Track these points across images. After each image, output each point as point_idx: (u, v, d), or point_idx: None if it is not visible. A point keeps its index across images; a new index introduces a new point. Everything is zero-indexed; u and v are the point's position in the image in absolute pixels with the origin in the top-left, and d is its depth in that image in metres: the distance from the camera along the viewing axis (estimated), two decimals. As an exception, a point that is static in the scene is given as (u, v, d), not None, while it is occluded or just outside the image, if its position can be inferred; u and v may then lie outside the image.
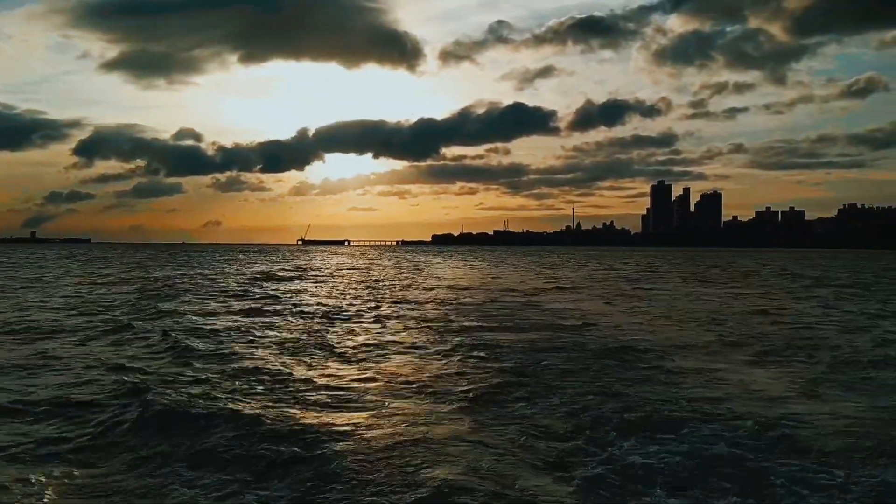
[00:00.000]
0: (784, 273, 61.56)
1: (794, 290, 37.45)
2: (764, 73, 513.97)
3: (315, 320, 21.72)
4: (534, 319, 21.64)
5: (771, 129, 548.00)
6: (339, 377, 12.56)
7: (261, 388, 11.67)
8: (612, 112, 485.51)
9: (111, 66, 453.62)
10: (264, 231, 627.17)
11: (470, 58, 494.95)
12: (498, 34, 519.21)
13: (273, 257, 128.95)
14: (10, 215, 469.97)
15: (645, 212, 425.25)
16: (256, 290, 34.88)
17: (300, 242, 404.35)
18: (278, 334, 18.29)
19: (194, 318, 21.76)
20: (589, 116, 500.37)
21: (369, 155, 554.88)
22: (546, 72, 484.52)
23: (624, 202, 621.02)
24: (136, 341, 17.01)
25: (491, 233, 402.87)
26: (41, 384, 12.09)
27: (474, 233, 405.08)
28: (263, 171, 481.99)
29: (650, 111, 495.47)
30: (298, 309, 25.19)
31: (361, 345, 16.40)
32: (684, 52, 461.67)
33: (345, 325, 20.55)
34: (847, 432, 9.02)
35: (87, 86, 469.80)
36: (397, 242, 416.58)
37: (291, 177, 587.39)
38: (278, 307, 25.95)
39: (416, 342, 16.89)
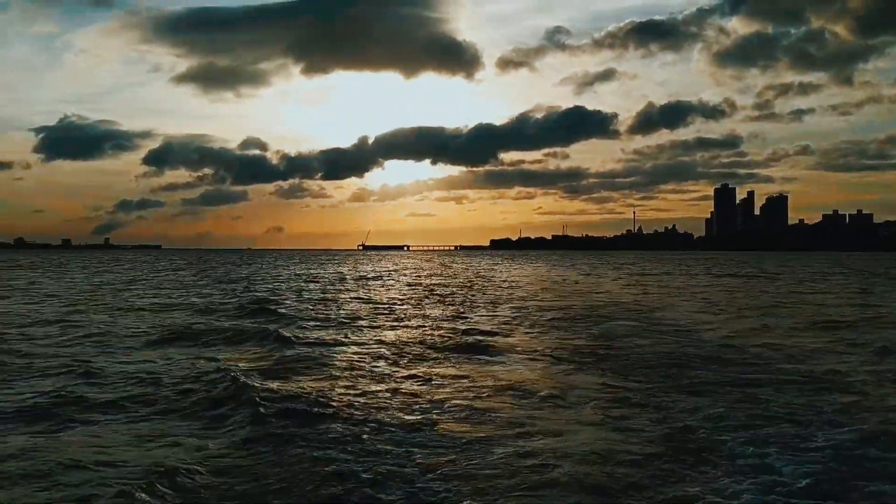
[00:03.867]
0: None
1: None
2: (829, 74, 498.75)
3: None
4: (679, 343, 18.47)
5: (838, 130, 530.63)
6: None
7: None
8: (674, 114, 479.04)
9: (181, 78, 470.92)
10: (325, 237, 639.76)
11: (527, 63, 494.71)
12: (555, 40, 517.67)
13: (360, 261, 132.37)
14: (83, 222, 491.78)
15: (709, 215, 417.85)
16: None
17: (361, 247, 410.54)
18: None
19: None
20: (650, 119, 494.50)
21: (427, 161, 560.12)
22: (606, 75, 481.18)
23: (687, 205, 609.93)
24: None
25: (549, 237, 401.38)
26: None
27: (532, 237, 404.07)
28: (324, 178, 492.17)
29: (713, 113, 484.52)
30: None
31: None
32: (747, 54, 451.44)
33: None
34: None
35: (157, 98, 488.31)
36: (455, 247, 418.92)
37: (351, 183, 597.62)
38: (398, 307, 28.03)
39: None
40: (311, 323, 23.64)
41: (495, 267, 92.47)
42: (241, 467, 8.59)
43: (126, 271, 74.90)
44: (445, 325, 23.08)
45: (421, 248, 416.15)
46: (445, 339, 19.42)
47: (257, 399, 11.61)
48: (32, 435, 9.88)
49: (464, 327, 22.15)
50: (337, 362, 15.66)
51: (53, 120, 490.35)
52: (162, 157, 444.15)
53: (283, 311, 27.11)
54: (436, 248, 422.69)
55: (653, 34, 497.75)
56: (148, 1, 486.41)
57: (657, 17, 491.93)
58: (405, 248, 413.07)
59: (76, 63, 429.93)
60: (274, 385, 12.99)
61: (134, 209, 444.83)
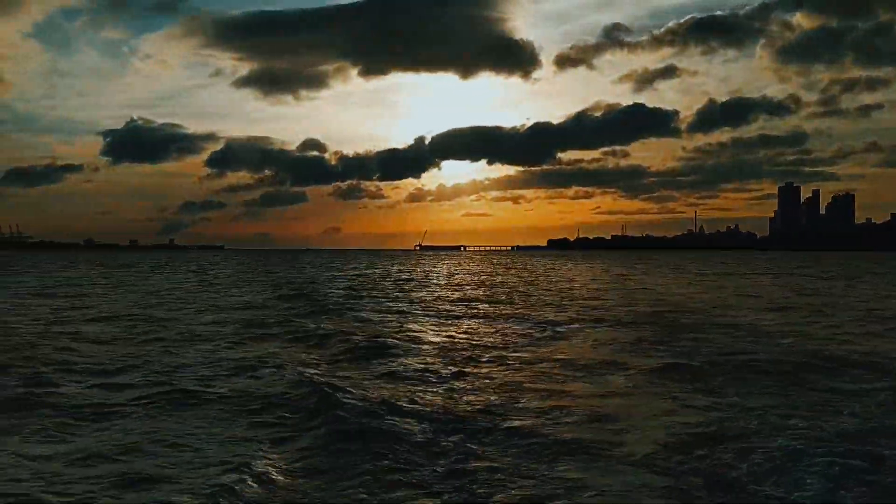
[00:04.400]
0: None
1: None
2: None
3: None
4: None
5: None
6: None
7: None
8: (736, 111, 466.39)
9: (242, 82, 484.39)
10: (381, 237, 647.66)
11: (585, 61, 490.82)
12: (614, 37, 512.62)
13: (423, 261, 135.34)
14: (148, 223, 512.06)
15: (772, 214, 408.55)
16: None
17: (418, 248, 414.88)
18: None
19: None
20: (712, 116, 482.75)
21: (484, 161, 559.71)
22: (666, 72, 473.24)
23: (750, 205, 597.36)
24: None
25: (608, 237, 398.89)
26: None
27: (591, 237, 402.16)
28: (381, 178, 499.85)
29: (777, 109, 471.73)
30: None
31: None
32: (812, 49, 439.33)
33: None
34: None
35: (219, 101, 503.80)
36: (512, 248, 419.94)
37: (408, 184, 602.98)
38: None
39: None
40: (411, 314, 27.05)
41: (557, 267, 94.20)
42: (322, 470, 9.07)
43: (244, 270, 79.91)
44: (522, 320, 25.96)
45: (477, 249, 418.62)
46: (525, 334, 22.05)
47: (342, 399, 12.24)
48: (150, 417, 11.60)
49: (538, 324, 24.22)
50: (424, 356, 17.55)
51: (120, 123, 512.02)
52: (224, 159, 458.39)
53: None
54: (492, 248, 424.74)
55: (714, 30, 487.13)
56: (210, 6, 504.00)
57: (719, 13, 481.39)
58: (461, 249, 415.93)
59: (142, 68, 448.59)
60: (356, 381, 14.23)
61: (197, 210, 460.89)
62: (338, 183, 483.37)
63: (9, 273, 72.13)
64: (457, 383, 14.21)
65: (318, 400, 12.38)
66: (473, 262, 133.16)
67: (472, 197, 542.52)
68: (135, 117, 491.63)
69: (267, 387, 13.92)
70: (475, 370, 15.68)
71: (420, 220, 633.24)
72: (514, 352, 18.37)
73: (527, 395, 13.01)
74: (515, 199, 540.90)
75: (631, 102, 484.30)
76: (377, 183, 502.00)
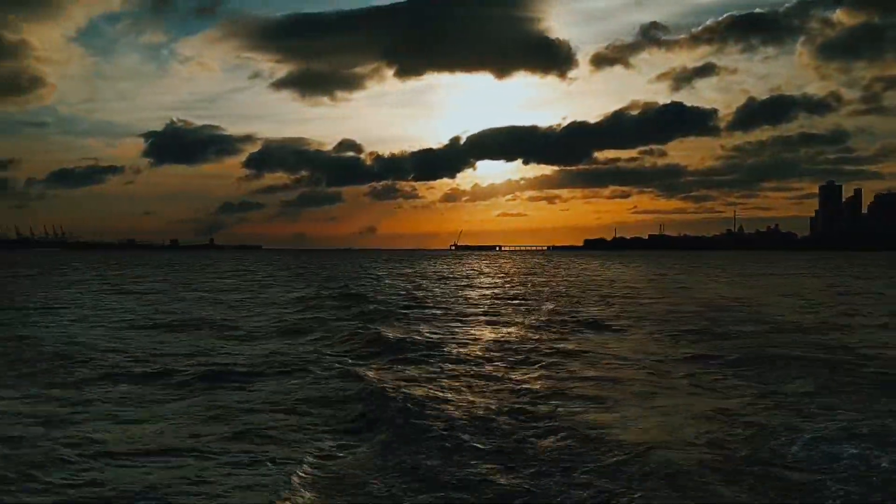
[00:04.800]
0: None
1: None
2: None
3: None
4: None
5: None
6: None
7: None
8: (776, 109, 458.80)
9: (280, 84, 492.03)
10: (416, 237, 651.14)
11: (622, 60, 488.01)
12: (651, 35, 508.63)
13: (476, 261, 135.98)
14: (189, 224, 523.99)
15: (813, 214, 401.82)
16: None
17: (453, 248, 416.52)
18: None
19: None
20: (751, 114, 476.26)
21: (519, 161, 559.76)
22: (705, 70, 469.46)
23: (790, 204, 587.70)
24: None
25: (646, 237, 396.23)
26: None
27: (628, 237, 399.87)
28: (416, 179, 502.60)
29: (818, 107, 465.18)
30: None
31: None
32: (853, 46, 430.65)
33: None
34: None
35: (257, 103, 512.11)
36: (548, 248, 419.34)
37: (443, 184, 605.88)
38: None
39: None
40: (456, 312, 28.76)
41: (596, 267, 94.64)
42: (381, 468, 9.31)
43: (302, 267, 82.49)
44: (566, 316, 27.37)
45: (513, 249, 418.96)
46: (565, 329, 23.33)
47: (399, 399, 12.48)
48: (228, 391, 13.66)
49: (581, 323, 24.90)
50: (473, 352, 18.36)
51: (161, 125, 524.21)
52: (261, 161, 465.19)
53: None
54: (528, 248, 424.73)
55: (753, 27, 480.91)
56: (249, 9, 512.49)
57: (758, 10, 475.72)
58: (497, 249, 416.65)
59: (181, 71, 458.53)
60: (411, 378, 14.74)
61: (235, 210, 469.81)
62: (373, 183, 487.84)
63: (61, 273, 75.41)
64: (517, 382, 14.48)
65: (376, 399, 12.64)
66: (511, 262, 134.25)
67: (508, 197, 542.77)
68: (175, 119, 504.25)
69: (325, 386, 14.37)
70: (533, 368, 16.04)
71: (455, 220, 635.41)
72: (568, 348, 19.01)
73: (584, 393, 13.30)
74: (551, 199, 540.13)
75: (668, 101, 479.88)
76: (412, 183, 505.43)
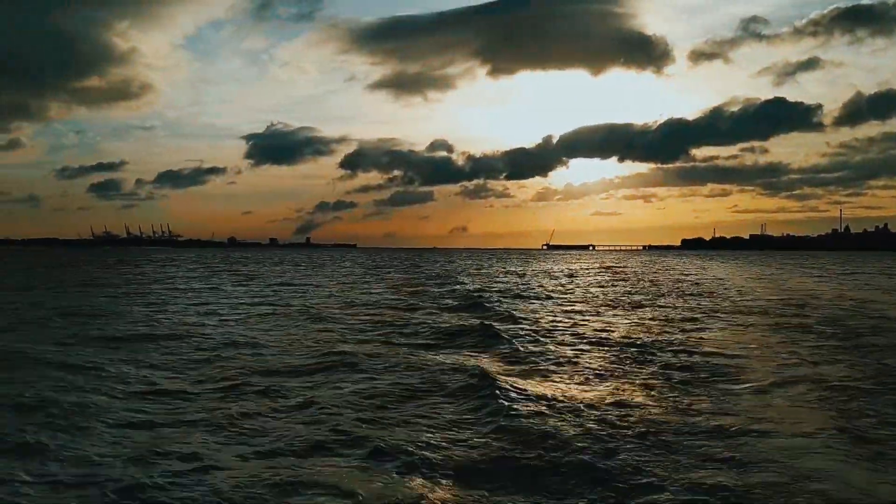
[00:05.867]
0: None
1: None
2: None
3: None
4: None
5: None
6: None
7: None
8: (885, 104, 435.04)
9: (374, 86, 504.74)
10: (507, 236, 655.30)
11: (721, 55, 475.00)
12: (751, 29, 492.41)
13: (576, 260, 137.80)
14: (286, 223, 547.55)
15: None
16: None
17: (545, 247, 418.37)
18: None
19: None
20: (859, 109, 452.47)
21: (614, 159, 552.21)
22: (809, 64, 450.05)
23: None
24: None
25: (747, 237, 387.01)
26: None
27: (727, 237, 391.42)
28: (508, 178, 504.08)
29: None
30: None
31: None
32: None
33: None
34: None
35: (352, 105, 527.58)
36: (643, 247, 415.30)
37: (535, 183, 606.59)
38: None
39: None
40: (560, 306, 31.62)
41: (698, 266, 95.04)
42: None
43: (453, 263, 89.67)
44: (681, 313, 29.14)
45: (606, 248, 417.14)
46: (689, 326, 24.00)
47: (508, 389, 12.86)
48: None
49: (693, 326, 24.26)
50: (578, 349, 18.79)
51: (261, 128, 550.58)
52: (355, 161, 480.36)
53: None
54: (622, 247, 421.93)
55: (861, 19, 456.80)
56: (346, 14, 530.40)
57: (865, 2, 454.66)
58: (590, 248, 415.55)
59: (280, 75, 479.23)
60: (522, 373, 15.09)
61: (330, 210, 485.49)
62: (465, 182, 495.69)
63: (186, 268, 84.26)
64: (638, 379, 14.65)
65: (490, 396, 12.65)
66: (610, 261, 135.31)
67: (602, 195, 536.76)
68: (274, 122, 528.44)
69: (443, 380, 14.43)
70: (653, 368, 15.97)
71: (547, 218, 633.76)
72: (688, 343, 19.55)
73: (712, 394, 13.21)
74: (647, 198, 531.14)
75: (770, 96, 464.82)
76: (504, 182, 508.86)
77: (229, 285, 48.28)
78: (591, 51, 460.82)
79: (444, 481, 8.62)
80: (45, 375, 14.71)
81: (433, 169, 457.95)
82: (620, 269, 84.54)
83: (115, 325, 24.01)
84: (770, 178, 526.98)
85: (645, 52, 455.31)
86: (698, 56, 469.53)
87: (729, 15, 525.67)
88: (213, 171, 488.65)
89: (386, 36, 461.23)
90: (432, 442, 10.15)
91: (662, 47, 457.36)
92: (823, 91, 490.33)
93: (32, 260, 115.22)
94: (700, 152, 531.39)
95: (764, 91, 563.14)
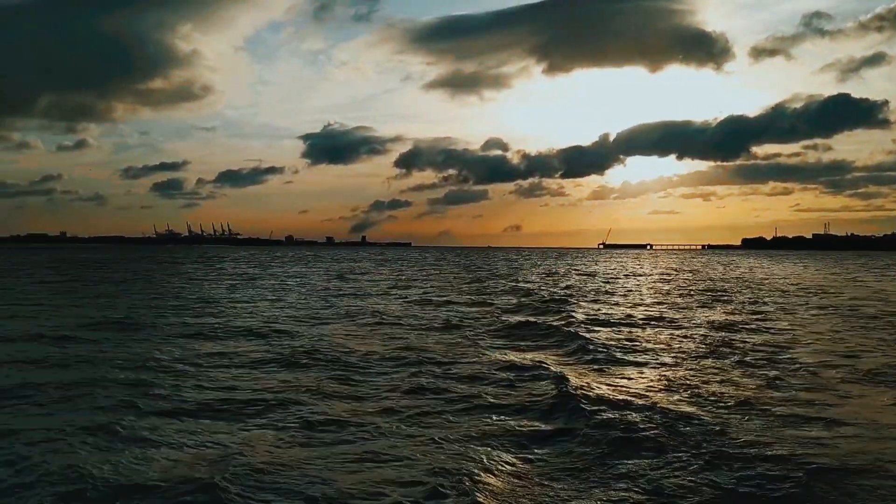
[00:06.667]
0: None
1: None
2: None
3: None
4: None
5: None
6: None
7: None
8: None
9: (430, 85, 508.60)
10: (562, 235, 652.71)
11: (783, 51, 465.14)
12: (814, 25, 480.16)
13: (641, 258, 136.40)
14: (342, 222, 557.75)
15: None
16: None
17: (601, 246, 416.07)
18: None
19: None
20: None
21: (672, 156, 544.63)
22: (875, 59, 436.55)
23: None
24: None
25: (809, 236, 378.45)
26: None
27: (790, 236, 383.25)
28: (564, 176, 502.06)
29: None
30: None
31: None
32: None
33: None
34: None
35: (408, 104, 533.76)
36: (702, 247, 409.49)
37: (591, 181, 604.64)
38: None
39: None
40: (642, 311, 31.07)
41: (764, 265, 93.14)
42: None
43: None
44: (744, 314, 29.33)
45: (664, 248, 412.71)
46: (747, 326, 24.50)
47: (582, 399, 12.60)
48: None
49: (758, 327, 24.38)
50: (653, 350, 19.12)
51: (318, 128, 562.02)
52: (410, 160, 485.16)
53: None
54: (681, 247, 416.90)
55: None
56: (403, 14, 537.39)
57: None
58: (648, 248, 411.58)
59: (337, 75, 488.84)
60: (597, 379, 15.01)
61: (385, 209, 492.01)
62: (519, 181, 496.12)
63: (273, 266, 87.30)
64: (714, 379, 14.90)
65: (564, 401, 12.64)
66: (672, 261, 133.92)
67: (660, 194, 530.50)
68: (331, 121, 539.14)
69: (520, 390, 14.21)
70: (726, 371, 16.06)
71: (602, 217, 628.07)
72: (755, 342, 20.05)
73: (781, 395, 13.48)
74: (706, 196, 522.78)
75: (834, 93, 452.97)
76: (559, 181, 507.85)
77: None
78: (649, 48, 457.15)
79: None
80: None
81: (488, 167, 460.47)
82: (699, 270, 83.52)
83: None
84: (833, 176, 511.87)
85: (704, 48, 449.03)
86: (759, 52, 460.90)
87: (790, 10, 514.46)
88: (271, 170, 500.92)
89: (442, 35, 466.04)
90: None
91: (722, 44, 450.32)
92: (890, 87, 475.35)
93: (106, 256, 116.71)
94: (761, 150, 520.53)
95: (827, 87, 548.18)
